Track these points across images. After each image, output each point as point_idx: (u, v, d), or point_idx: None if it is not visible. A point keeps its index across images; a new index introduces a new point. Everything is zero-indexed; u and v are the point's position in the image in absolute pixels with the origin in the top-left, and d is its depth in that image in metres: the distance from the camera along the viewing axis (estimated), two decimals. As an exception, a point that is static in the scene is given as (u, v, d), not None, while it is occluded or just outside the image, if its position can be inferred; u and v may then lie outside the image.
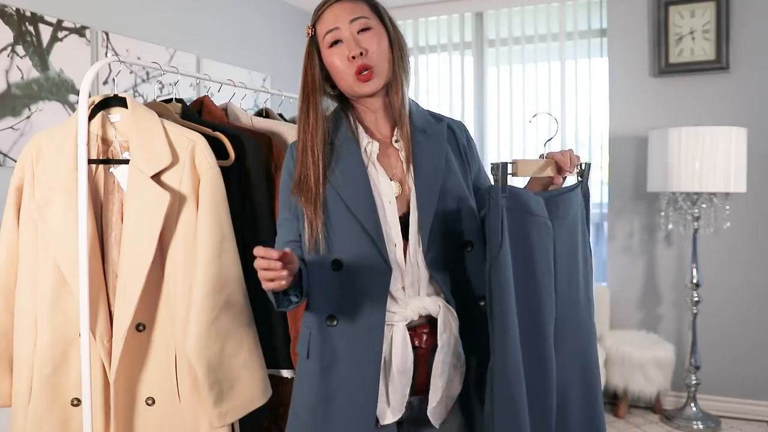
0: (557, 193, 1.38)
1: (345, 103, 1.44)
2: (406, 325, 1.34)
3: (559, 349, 1.38)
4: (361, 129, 1.42)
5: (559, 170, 1.41)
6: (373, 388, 1.31)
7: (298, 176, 1.36)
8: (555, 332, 1.37)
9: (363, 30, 1.36)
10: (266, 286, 1.20)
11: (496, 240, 1.25)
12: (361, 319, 1.32)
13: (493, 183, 1.31)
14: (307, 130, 1.36)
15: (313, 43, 1.39)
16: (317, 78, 1.38)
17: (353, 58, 1.34)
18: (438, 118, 1.47)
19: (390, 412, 1.34)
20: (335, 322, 1.34)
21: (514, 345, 1.27)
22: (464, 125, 1.51)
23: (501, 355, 1.26)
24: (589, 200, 1.47)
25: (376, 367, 1.31)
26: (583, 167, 1.46)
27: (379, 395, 1.33)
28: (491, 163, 1.31)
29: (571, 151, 1.40)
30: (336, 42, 1.36)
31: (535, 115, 1.55)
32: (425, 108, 1.50)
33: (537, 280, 1.33)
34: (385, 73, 1.38)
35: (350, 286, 1.33)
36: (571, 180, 1.50)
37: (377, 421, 1.34)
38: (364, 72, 1.34)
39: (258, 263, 1.17)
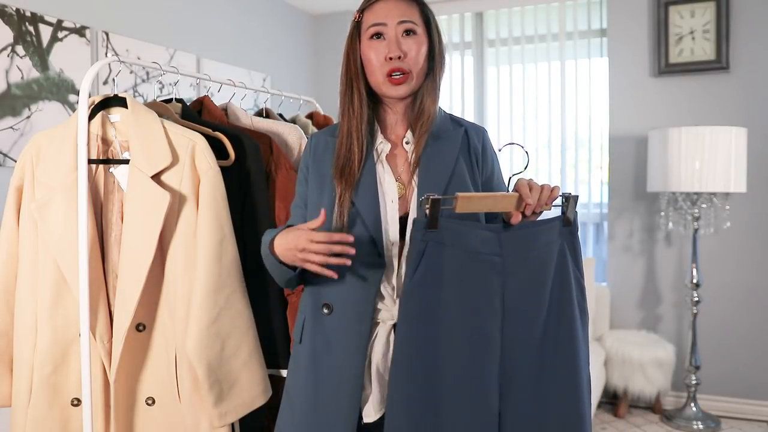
0: (520, 227, 1.29)
1: (370, 97, 1.43)
2: (395, 325, 1.35)
3: (510, 397, 1.29)
4: (377, 126, 1.44)
5: (526, 205, 1.28)
6: (357, 383, 1.33)
7: (343, 160, 1.38)
8: (506, 378, 1.29)
9: (408, 33, 1.37)
10: (318, 267, 1.25)
11: (410, 272, 1.25)
12: (352, 311, 1.35)
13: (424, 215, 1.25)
14: (352, 115, 1.39)
15: (357, 30, 1.41)
16: (359, 63, 1.40)
17: (390, 59, 1.35)
18: (458, 123, 1.47)
19: (372, 410, 1.35)
20: (330, 311, 1.37)
21: (413, 385, 1.25)
22: (484, 131, 1.49)
23: (395, 395, 1.25)
24: (575, 236, 1.35)
25: (361, 361, 1.33)
26: (564, 201, 1.33)
27: (365, 391, 1.35)
28: (422, 198, 1.24)
29: (546, 186, 1.29)
30: (378, 35, 1.37)
31: (506, 145, 1.48)
32: (448, 112, 1.50)
33: (476, 320, 1.27)
34: (417, 82, 1.39)
35: (346, 277, 1.35)
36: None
37: (362, 418, 1.36)
38: (396, 75, 1.36)
39: (324, 248, 1.23)
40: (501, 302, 1.28)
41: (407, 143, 1.42)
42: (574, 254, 1.36)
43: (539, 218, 1.36)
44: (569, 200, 1.33)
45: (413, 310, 1.26)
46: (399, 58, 1.35)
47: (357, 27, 1.40)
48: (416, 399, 1.26)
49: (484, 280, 1.27)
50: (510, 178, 1.40)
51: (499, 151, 1.49)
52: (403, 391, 1.26)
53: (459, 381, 1.27)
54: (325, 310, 1.37)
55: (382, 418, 1.35)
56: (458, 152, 1.40)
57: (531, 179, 1.31)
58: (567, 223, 1.34)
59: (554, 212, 1.38)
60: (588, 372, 1.38)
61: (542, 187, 1.30)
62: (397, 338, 1.28)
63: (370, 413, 1.35)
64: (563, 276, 1.33)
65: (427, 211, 1.23)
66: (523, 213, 1.29)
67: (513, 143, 1.46)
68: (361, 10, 1.41)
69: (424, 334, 1.26)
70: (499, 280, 1.28)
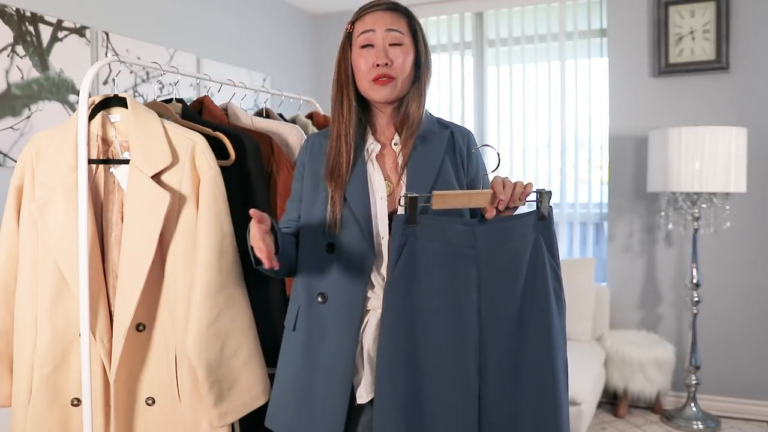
0: (495, 221, 1.39)
1: (361, 103, 1.52)
2: None
3: (488, 380, 1.38)
4: (369, 129, 1.53)
5: (499, 201, 1.38)
6: (349, 367, 1.42)
7: (332, 162, 1.46)
8: (484, 362, 1.38)
9: (394, 44, 1.45)
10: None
11: (392, 265, 1.35)
12: (345, 299, 1.44)
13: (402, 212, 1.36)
14: (341, 120, 1.48)
15: (348, 40, 1.49)
16: (350, 72, 1.48)
17: (377, 66, 1.43)
18: (444, 125, 1.56)
19: (364, 392, 1.44)
20: (324, 300, 1.45)
21: (398, 370, 1.34)
22: (470, 134, 1.58)
23: (382, 379, 1.34)
24: (550, 229, 1.44)
25: (353, 347, 1.43)
26: (538, 196, 1.42)
27: (357, 375, 1.44)
28: (401, 195, 1.36)
29: (519, 182, 1.39)
30: (367, 45, 1.46)
31: (479, 147, 1.56)
32: (435, 115, 1.58)
33: (454, 308, 1.37)
34: (402, 88, 1.48)
35: (340, 268, 1.44)
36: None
37: (356, 399, 1.45)
38: (381, 78, 1.44)
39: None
40: (477, 291, 1.38)
41: (395, 144, 1.51)
42: (550, 246, 1.45)
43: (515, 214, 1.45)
44: (543, 196, 1.42)
45: (396, 299, 1.35)
46: (386, 65, 1.44)
47: (348, 37, 1.49)
48: (402, 383, 1.35)
49: (461, 271, 1.37)
50: (483, 176, 1.53)
51: (473, 152, 1.56)
52: (389, 377, 1.35)
53: (440, 365, 1.37)
54: (320, 299, 1.46)
55: (373, 400, 1.43)
56: (444, 153, 1.50)
57: (506, 177, 1.40)
58: (542, 218, 1.43)
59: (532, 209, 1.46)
60: (565, 356, 1.47)
61: (515, 183, 1.39)
62: (381, 327, 1.37)
63: (363, 395, 1.45)
64: (538, 267, 1.42)
65: (405, 208, 1.34)
66: (498, 209, 1.39)
67: (486, 145, 1.54)
68: (353, 22, 1.50)
69: (406, 322, 1.36)
70: (474, 271, 1.38)
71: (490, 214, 1.38)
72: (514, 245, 1.40)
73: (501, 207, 1.38)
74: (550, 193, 1.43)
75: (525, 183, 1.39)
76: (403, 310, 1.35)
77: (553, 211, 1.47)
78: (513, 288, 1.40)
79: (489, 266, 1.38)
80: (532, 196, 1.41)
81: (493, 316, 1.38)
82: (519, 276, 1.40)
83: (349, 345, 1.42)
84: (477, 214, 1.48)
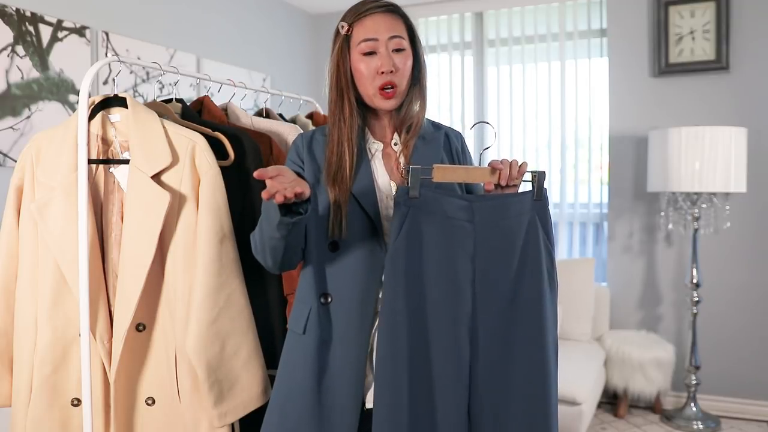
0: (493, 198, 1.44)
1: (359, 105, 1.50)
2: None
3: (478, 346, 1.42)
4: (367, 129, 1.52)
5: (499, 178, 1.43)
6: (360, 371, 1.41)
7: (334, 167, 1.44)
8: (475, 329, 1.41)
9: (397, 50, 1.44)
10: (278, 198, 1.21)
11: (394, 234, 1.39)
12: (355, 300, 1.42)
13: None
14: (343, 124, 1.45)
15: (347, 42, 1.46)
16: (349, 75, 1.46)
17: (383, 73, 1.42)
18: (437, 126, 1.58)
19: (373, 397, 1.40)
20: (329, 300, 1.43)
21: (399, 344, 1.37)
22: (461, 134, 1.61)
23: (384, 351, 1.38)
24: (545, 209, 1.48)
25: (363, 349, 1.41)
26: (533, 176, 1.47)
27: (367, 379, 1.42)
28: (403, 168, 1.41)
29: (515, 161, 1.42)
30: (370, 53, 1.43)
31: (476, 123, 1.59)
32: (434, 115, 1.57)
33: (450, 277, 1.41)
34: (404, 93, 1.47)
35: (347, 266, 1.43)
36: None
37: (365, 403, 1.42)
38: (388, 89, 1.43)
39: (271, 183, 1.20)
40: (472, 262, 1.42)
41: (395, 145, 1.51)
42: (545, 225, 1.48)
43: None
44: (537, 176, 1.47)
45: (398, 266, 1.38)
46: (391, 72, 1.42)
47: (346, 40, 1.46)
48: (401, 345, 1.36)
49: (458, 243, 1.42)
50: (481, 152, 1.58)
51: (471, 129, 1.59)
52: (391, 341, 1.36)
53: (437, 329, 1.39)
54: (330, 299, 1.43)
55: None
56: (442, 152, 1.52)
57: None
58: (538, 198, 1.47)
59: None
60: (555, 336, 1.50)
61: (510, 161, 1.43)
62: (384, 290, 1.38)
63: (372, 400, 1.40)
64: (533, 244, 1.46)
65: (407, 180, 1.39)
66: (500, 184, 1.43)
67: (483, 122, 1.56)
68: (350, 24, 1.45)
69: (407, 287, 1.38)
70: (470, 243, 1.42)
71: (489, 186, 1.42)
72: (510, 222, 1.44)
73: (503, 182, 1.41)
74: (544, 173, 1.47)
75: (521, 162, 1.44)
76: (404, 275, 1.38)
77: (553, 208, 1.49)
78: (507, 262, 1.44)
79: (484, 240, 1.42)
80: (528, 177, 1.46)
81: (486, 288, 1.42)
82: (513, 251, 1.44)
83: (359, 349, 1.40)
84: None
